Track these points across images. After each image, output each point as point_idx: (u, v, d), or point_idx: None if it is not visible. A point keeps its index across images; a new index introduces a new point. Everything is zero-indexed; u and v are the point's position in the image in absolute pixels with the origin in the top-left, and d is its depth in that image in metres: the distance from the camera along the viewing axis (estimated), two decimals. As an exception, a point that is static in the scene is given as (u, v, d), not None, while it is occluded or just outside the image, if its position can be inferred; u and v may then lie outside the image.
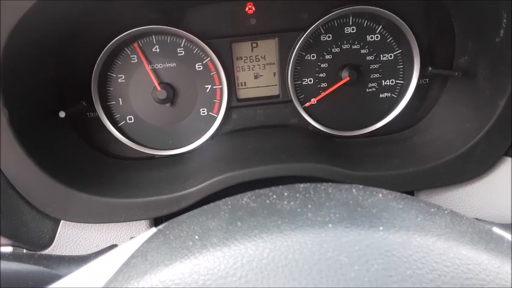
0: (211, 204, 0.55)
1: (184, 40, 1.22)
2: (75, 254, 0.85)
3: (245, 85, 1.29)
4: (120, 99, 1.24)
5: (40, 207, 1.02)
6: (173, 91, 1.23)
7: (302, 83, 1.28)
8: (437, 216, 0.48)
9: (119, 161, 1.26)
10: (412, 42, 1.23)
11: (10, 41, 0.89)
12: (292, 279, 0.37)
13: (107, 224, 1.07)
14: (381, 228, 0.43)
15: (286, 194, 0.52)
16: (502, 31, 1.00)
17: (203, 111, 1.27)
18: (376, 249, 0.40)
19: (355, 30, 1.24)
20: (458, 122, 1.17)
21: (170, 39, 1.21)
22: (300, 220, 0.45)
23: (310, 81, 1.28)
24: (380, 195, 0.52)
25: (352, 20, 1.23)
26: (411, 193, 1.13)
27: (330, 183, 0.56)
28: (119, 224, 1.07)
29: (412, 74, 1.26)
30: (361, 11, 1.21)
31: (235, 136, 1.27)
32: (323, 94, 1.27)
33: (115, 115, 1.25)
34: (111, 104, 1.24)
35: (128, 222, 1.07)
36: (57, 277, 0.72)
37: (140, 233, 1.07)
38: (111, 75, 1.22)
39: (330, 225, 0.43)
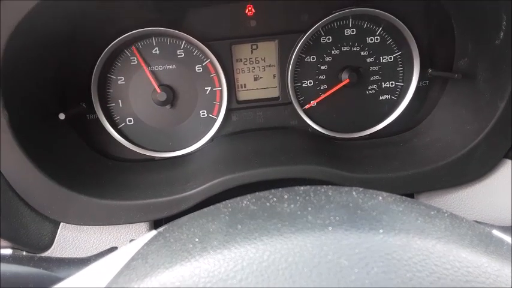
0: (211, 206, 0.56)
1: (184, 42, 1.22)
2: (75, 257, 0.85)
3: (245, 87, 1.29)
4: (120, 101, 1.24)
5: (40, 209, 1.02)
6: (173, 93, 1.23)
7: (302, 85, 1.28)
8: (437, 219, 0.48)
9: (118, 163, 1.26)
10: (412, 44, 1.23)
11: (10, 42, 0.89)
12: (292, 282, 0.37)
13: (107, 226, 1.07)
14: (381, 231, 0.43)
15: (286, 196, 0.52)
16: (502, 33, 1.01)
17: (203, 113, 1.27)
18: (376, 252, 0.40)
19: (355, 32, 1.24)
20: (458, 124, 1.17)
21: (170, 41, 1.21)
22: (300, 223, 0.45)
23: (310, 83, 1.28)
24: (380, 197, 0.52)
25: (352, 22, 1.24)
26: (411, 195, 1.13)
27: (330, 186, 0.56)
28: (119, 226, 1.07)
29: (412, 76, 1.26)
30: (361, 13, 1.21)
31: (235, 138, 1.27)
32: (323, 96, 1.27)
33: (115, 117, 1.25)
34: (111, 106, 1.24)
35: (127, 225, 1.07)
36: (56, 279, 0.72)
37: (140, 236, 1.07)
38: (111, 77, 1.22)
39: (330, 228, 0.43)
